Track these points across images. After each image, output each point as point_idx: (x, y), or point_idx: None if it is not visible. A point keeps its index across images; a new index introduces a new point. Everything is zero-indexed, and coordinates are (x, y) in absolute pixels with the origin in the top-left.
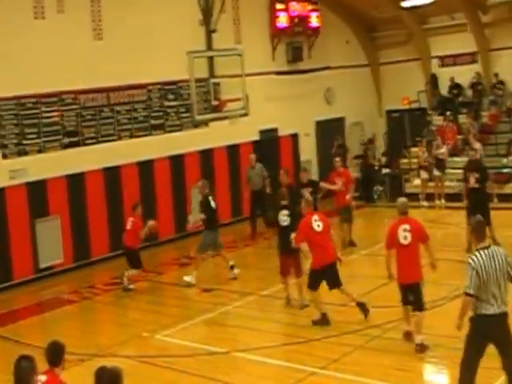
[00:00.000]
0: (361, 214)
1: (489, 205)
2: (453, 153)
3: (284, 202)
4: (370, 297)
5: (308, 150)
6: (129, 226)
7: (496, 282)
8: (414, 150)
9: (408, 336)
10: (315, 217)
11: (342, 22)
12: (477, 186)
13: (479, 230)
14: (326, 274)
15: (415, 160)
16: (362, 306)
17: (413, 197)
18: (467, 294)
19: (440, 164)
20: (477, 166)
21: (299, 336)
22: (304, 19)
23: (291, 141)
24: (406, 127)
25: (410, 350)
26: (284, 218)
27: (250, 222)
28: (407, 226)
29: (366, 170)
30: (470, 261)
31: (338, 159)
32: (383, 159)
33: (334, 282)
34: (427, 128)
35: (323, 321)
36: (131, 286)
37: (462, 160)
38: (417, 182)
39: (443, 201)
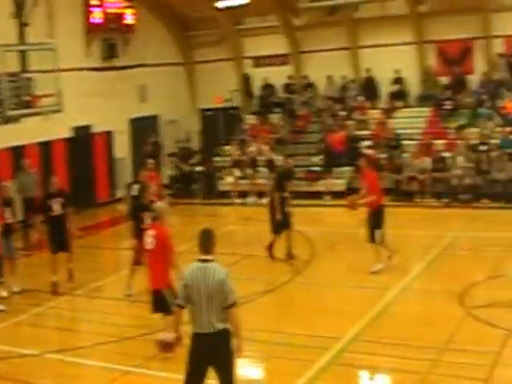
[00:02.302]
0: (176, 210)
1: None
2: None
3: None
4: None
5: (122, 148)
6: None
7: (205, 300)
8: (227, 148)
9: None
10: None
11: (157, 20)
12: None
13: (202, 241)
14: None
15: (228, 158)
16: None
17: (227, 194)
18: (177, 305)
19: (252, 162)
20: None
21: (113, 335)
22: (119, 16)
23: (105, 138)
24: (219, 126)
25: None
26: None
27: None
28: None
29: (182, 168)
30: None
31: (151, 161)
32: (197, 157)
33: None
34: (240, 127)
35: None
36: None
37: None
38: (230, 179)
39: (256, 198)
